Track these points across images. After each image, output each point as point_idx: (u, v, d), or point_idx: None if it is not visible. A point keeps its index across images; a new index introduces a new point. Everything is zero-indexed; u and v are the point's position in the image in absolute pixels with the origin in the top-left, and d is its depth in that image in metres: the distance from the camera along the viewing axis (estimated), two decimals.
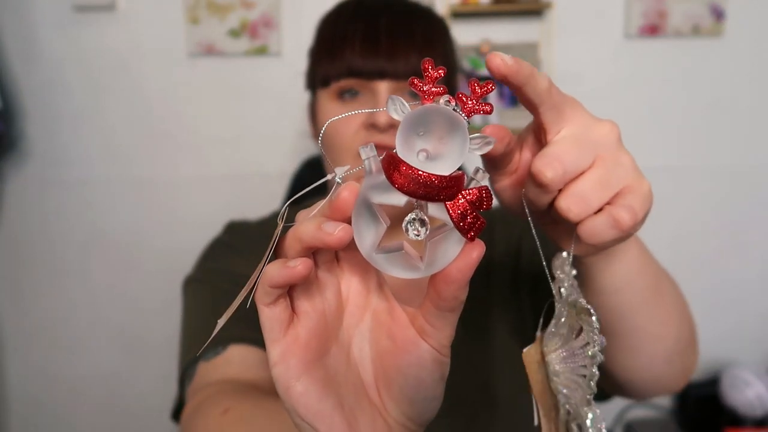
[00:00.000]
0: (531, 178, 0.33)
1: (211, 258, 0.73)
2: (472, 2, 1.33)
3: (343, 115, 0.34)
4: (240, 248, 0.72)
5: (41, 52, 1.38)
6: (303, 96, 0.75)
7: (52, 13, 1.36)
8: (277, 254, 0.31)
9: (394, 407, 0.33)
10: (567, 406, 0.33)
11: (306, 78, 0.71)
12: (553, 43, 1.35)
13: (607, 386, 0.58)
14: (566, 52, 1.36)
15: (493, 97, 1.31)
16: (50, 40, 1.37)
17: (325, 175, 0.78)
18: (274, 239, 0.31)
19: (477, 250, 0.28)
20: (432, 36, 0.64)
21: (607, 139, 0.34)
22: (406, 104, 0.27)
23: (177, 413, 0.68)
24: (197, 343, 0.64)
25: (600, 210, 0.33)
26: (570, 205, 0.32)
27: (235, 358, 0.60)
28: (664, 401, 1.47)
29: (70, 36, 1.37)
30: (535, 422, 0.36)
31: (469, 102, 0.27)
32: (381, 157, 0.28)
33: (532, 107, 0.33)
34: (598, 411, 0.32)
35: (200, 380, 0.61)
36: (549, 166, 0.31)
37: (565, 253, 0.37)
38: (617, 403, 1.41)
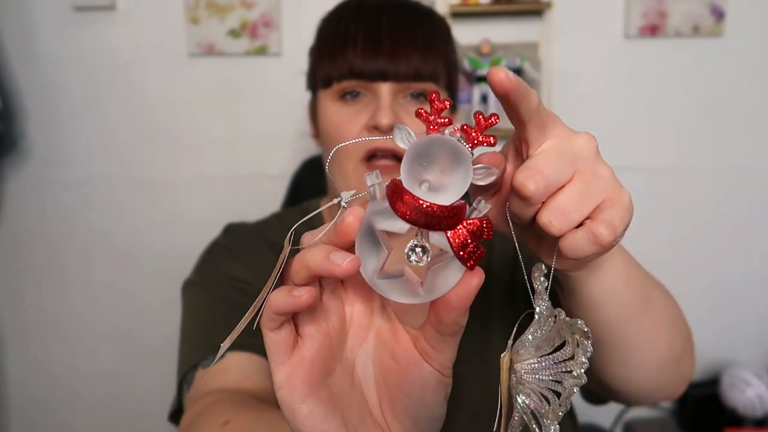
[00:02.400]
0: (514, 191, 0.33)
1: (210, 262, 0.73)
2: (472, 2, 1.33)
3: (349, 142, 0.35)
4: (238, 252, 0.71)
5: (41, 52, 1.38)
6: (303, 96, 0.75)
7: (52, 13, 1.36)
8: (283, 276, 0.32)
9: (398, 426, 0.33)
10: (523, 416, 0.34)
11: (307, 78, 0.71)
12: (553, 43, 1.35)
13: (604, 393, 0.58)
14: (566, 52, 1.36)
15: (492, 98, 1.31)
16: (50, 40, 1.37)
17: (325, 177, 0.78)
18: (280, 263, 0.31)
19: (476, 279, 0.29)
20: (433, 37, 0.64)
21: (585, 151, 0.34)
22: (413, 134, 0.28)
23: (174, 415, 0.68)
24: (195, 347, 0.64)
25: (581, 224, 0.33)
26: (551, 219, 0.33)
27: (234, 366, 0.60)
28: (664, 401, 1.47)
29: (70, 36, 1.37)
30: (495, 428, 0.36)
31: (474, 134, 0.28)
32: (386, 185, 0.29)
33: (519, 123, 0.34)
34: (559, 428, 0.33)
35: (199, 388, 0.61)
36: (531, 178, 0.32)
37: (543, 266, 0.37)
38: (617, 404, 1.41)
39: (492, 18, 1.36)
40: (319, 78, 0.65)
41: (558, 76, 1.37)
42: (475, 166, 0.28)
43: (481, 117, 0.28)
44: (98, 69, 1.38)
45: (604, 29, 1.37)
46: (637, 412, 1.44)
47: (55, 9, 1.36)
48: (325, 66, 0.64)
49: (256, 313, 0.32)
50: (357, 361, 0.34)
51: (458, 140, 0.27)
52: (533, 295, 0.36)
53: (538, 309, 0.35)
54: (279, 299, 0.29)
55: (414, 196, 0.27)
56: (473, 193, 0.33)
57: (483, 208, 0.29)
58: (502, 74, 0.30)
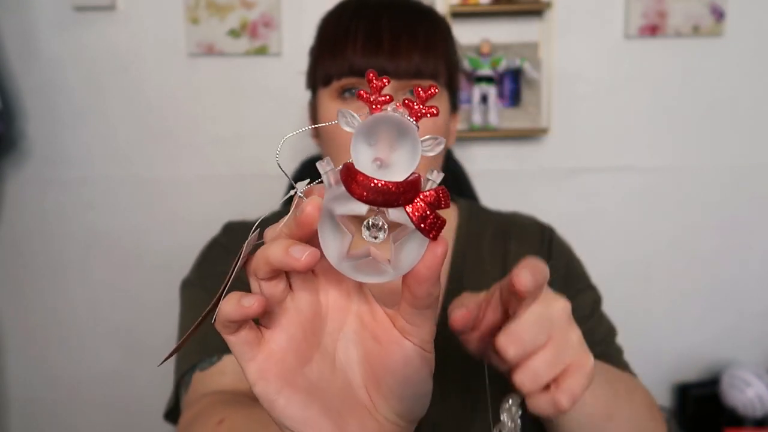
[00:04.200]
0: (495, 348, 0.37)
1: (208, 260, 0.73)
2: (472, 2, 1.33)
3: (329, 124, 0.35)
4: (237, 250, 0.71)
5: (41, 51, 1.38)
6: (303, 96, 0.75)
7: (52, 13, 1.36)
8: (247, 268, 0.32)
9: (385, 405, 0.33)
10: None
11: (307, 77, 0.71)
12: (553, 43, 1.35)
13: None
14: (566, 52, 1.36)
15: (492, 97, 1.31)
16: (50, 40, 1.37)
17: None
18: (237, 258, 0.32)
19: (441, 247, 0.29)
20: (434, 35, 0.64)
21: (561, 317, 0.39)
22: (356, 116, 0.28)
23: (169, 414, 0.69)
24: (192, 349, 0.64)
25: (548, 386, 0.38)
26: (524, 380, 0.37)
27: (230, 368, 0.61)
28: (664, 401, 1.48)
29: (70, 36, 1.37)
30: None
31: (416, 106, 0.28)
32: (338, 169, 0.29)
33: (520, 297, 0.38)
34: None
35: (195, 390, 0.61)
36: (512, 345, 0.36)
37: (511, 401, 0.41)
38: None
39: (492, 18, 1.36)
40: (318, 76, 0.65)
41: (558, 76, 1.37)
42: (422, 138, 0.28)
43: (419, 90, 0.28)
44: (98, 69, 1.38)
45: (604, 29, 1.37)
46: None
47: (55, 9, 1.36)
48: (325, 64, 0.64)
49: (210, 311, 0.32)
50: (338, 345, 0.34)
51: (401, 115, 0.28)
52: (494, 425, 0.41)
53: None
54: (229, 309, 0.30)
55: (367, 176, 0.28)
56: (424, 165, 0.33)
57: (437, 177, 0.29)
58: (527, 278, 0.36)
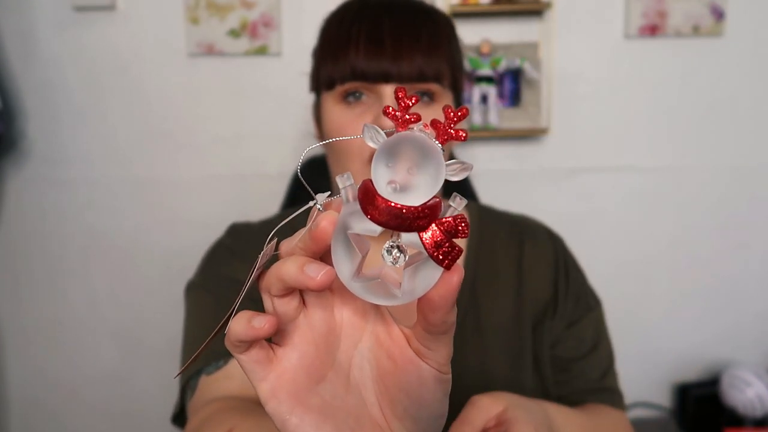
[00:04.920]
0: None
1: (213, 263, 0.72)
2: (472, 2, 1.33)
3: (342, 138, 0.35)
4: (242, 252, 0.71)
5: (41, 51, 1.38)
6: (303, 96, 0.75)
7: (52, 13, 1.36)
8: (260, 283, 0.31)
9: (399, 426, 0.33)
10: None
11: (310, 79, 0.70)
12: (553, 43, 1.35)
13: None
14: (566, 52, 1.36)
15: (492, 97, 1.31)
16: (50, 40, 1.37)
17: (327, 176, 0.77)
18: (252, 270, 0.31)
19: (456, 276, 0.28)
20: (437, 36, 0.63)
21: None
22: (381, 132, 0.27)
23: (176, 418, 0.68)
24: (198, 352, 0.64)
25: None
26: None
27: (237, 373, 0.60)
28: (664, 401, 1.48)
29: (70, 36, 1.37)
30: None
31: (443, 128, 0.27)
32: (358, 186, 0.28)
33: None
34: None
35: (202, 395, 0.60)
36: None
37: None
38: None
39: (492, 18, 1.36)
40: (322, 80, 0.65)
41: (558, 76, 1.37)
42: (448, 162, 0.27)
43: (450, 110, 0.27)
44: (98, 69, 1.38)
45: (604, 29, 1.37)
46: (637, 412, 1.44)
47: (55, 9, 1.36)
48: (327, 68, 0.63)
49: (222, 326, 0.32)
50: (353, 362, 0.33)
51: (428, 136, 0.27)
52: None
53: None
54: (239, 329, 0.29)
55: (384, 198, 0.27)
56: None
57: (458, 204, 0.28)
58: None
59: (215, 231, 0.78)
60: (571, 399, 0.70)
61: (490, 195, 1.11)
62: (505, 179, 1.41)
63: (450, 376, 0.33)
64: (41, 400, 1.50)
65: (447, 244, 0.27)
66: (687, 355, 1.47)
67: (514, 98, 1.37)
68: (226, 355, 0.61)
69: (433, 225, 0.27)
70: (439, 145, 0.27)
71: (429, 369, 0.32)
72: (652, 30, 1.36)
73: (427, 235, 0.27)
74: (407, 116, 0.27)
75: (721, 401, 1.35)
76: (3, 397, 1.50)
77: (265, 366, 0.31)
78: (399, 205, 0.26)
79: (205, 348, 0.34)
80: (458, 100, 0.69)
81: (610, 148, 1.41)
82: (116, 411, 1.49)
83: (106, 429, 1.50)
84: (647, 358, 1.46)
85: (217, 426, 0.52)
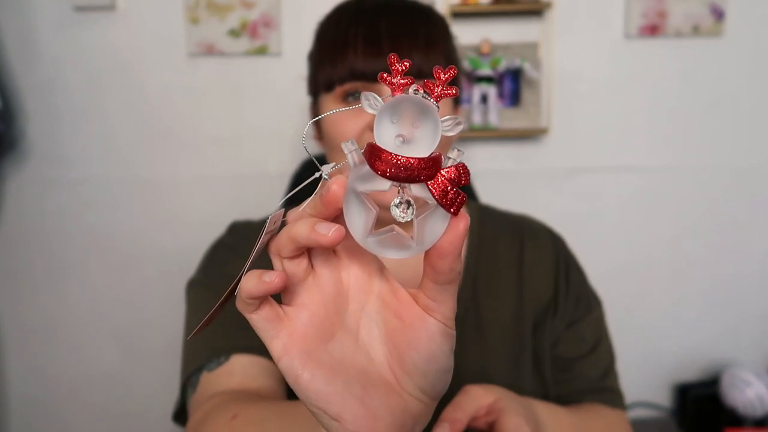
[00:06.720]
0: None
1: (214, 261, 0.73)
2: (472, 2, 1.33)
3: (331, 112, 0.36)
4: (242, 250, 0.71)
5: (41, 51, 1.38)
6: (303, 96, 0.75)
7: (52, 13, 1.36)
8: (269, 247, 0.33)
9: (409, 381, 0.34)
10: None
11: (308, 83, 0.70)
12: (553, 43, 1.35)
13: None
14: (566, 52, 1.36)
15: (492, 97, 1.31)
16: (50, 40, 1.37)
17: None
18: (261, 232, 0.32)
19: (463, 222, 0.30)
20: (434, 35, 0.64)
21: None
22: (379, 98, 0.29)
23: (178, 415, 0.68)
24: (199, 350, 0.64)
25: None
26: None
27: (238, 368, 0.61)
28: (664, 401, 1.48)
29: (70, 36, 1.37)
30: None
31: (436, 88, 0.29)
32: (362, 150, 0.30)
33: None
34: None
35: (203, 391, 0.61)
36: None
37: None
38: None
39: (492, 18, 1.36)
40: (320, 82, 0.65)
41: (558, 76, 1.37)
42: (442, 118, 0.29)
43: (440, 71, 0.29)
44: (98, 69, 1.38)
45: (604, 29, 1.37)
46: (637, 412, 1.44)
47: (55, 9, 1.36)
48: (326, 70, 0.64)
49: (233, 289, 0.33)
50: (361, 324, 0.35)
51: (422, 96, 0.29)
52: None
53: None
54: (251, 285, 0.30)
55: (391, 153, 0.29)
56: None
57: (457, 155, 0.30)
58: None
59: (215, 231, 0.78)
60: (571, 399, 0.70)
61: (490, 195, 1.11)
62: (505, 179, 1.41)
63: (454, 331, 0.34)
64: (41, 400, 1.50)
65: (452, 191, 0.29)
66: (687, 355, 1.47)
67: (514, 98, 1.37)
68: (227, 352, 0.62)
69: (438, 175, 0.29)
70: (435, 102, 0.29)
71: (436, 323, 0.33)
72: (652, 30, 1.36)
73: (433, 185, 0.29)
74: (402, 80, 0.29)
75: (721, 401, 1.35)
76: (3, 397, 1.50)
77: (275, 324, 0.32)
78: (406, 158, 0.29)
79: (216, 313, 0.36)
80: (457, 97, 0.69)
81: (610, 148, 1.41)
82: (116, 411, 1.49)
83: (106, 429, 1.50)
84: (647, 358, 1.46)
85: (221, 414, 0.53)
